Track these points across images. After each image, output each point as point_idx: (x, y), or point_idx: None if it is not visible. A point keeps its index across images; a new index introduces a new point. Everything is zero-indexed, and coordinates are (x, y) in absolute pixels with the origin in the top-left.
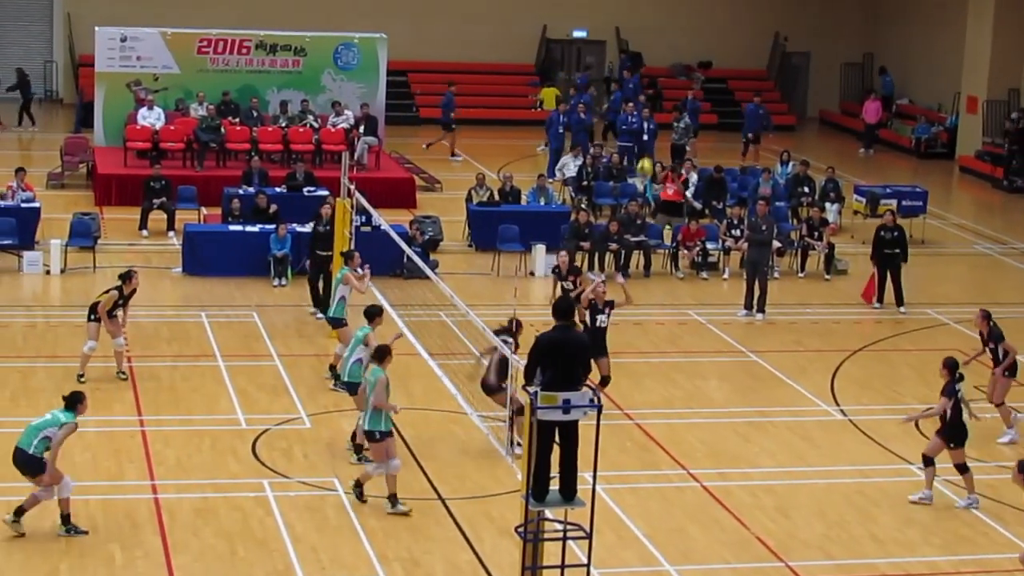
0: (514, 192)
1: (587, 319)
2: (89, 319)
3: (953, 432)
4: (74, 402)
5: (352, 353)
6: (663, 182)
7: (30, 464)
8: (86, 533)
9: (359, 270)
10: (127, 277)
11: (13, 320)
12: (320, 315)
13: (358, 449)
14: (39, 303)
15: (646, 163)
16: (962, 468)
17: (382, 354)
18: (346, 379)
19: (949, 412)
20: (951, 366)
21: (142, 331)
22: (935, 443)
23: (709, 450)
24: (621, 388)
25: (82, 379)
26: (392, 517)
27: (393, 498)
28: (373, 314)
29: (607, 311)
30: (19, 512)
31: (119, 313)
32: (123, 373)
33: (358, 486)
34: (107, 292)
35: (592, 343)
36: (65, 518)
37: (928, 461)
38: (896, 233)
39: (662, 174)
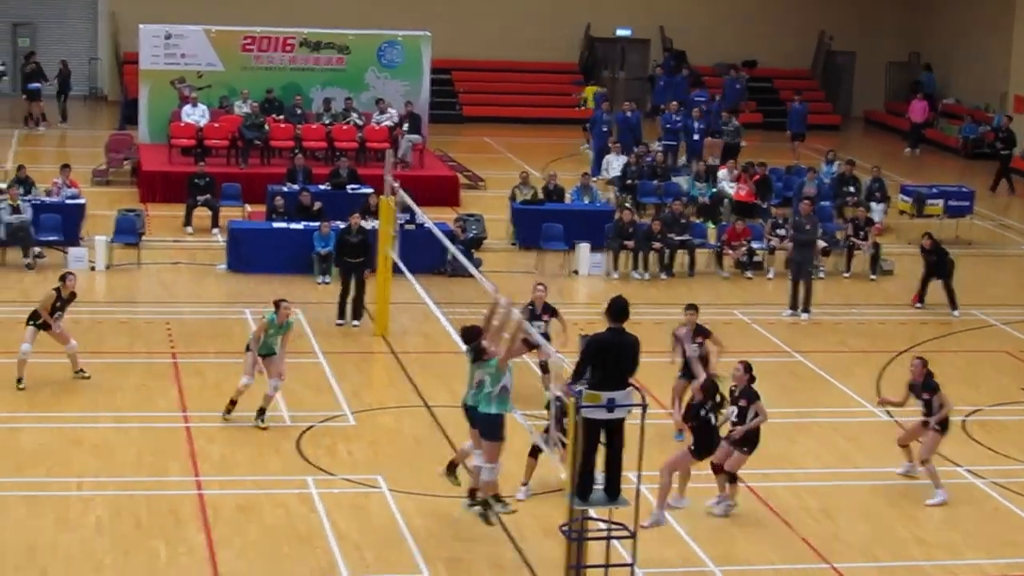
0: (558, 190)
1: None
2: (28, 323)
3: None
4: None
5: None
6: (735, 182)
7: None
8: None
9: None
10: (64, 278)
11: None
12: (340, 322)
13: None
14: (84, 299)
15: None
16: None
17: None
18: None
19: None
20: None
21: (186, 327)
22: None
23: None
24: (665, 387)
25: (21, 385)
26: (436, 515)
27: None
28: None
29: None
30: None
31: (58, 317)
32: (83, 371)
33: (482, 501)
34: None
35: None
36: None
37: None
38: (935, 256)
39: (734, 174)
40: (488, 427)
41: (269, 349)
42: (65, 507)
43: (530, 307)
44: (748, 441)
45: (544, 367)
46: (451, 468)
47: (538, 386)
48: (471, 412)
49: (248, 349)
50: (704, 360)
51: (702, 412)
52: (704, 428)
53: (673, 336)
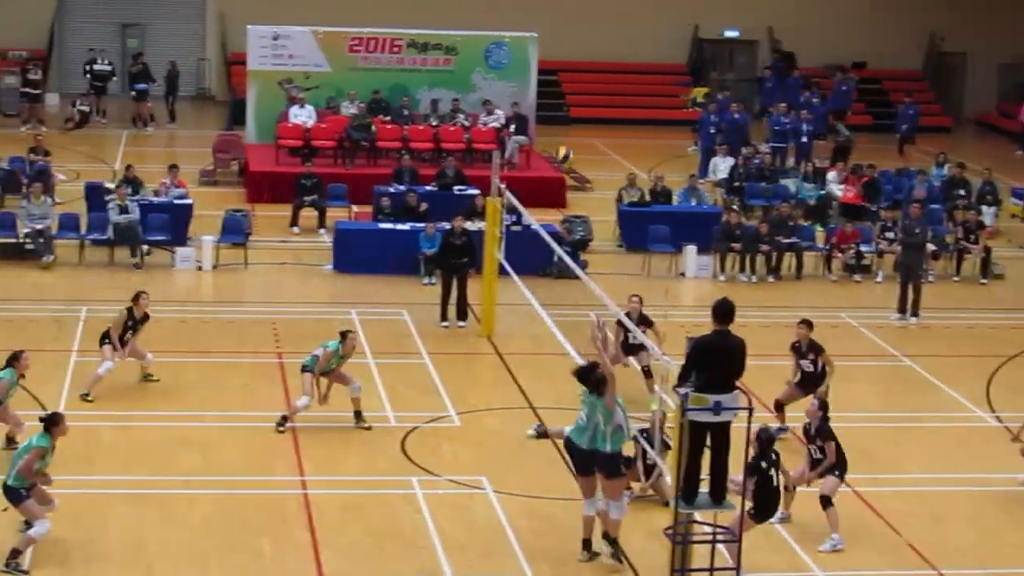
0: (665, 192)
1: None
2: (102, 343)
3: None
4: (50, 424)
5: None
6: (843, 183)
7: (11, 496)
8: (26, 574)
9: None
10: (137, 298)
11: (165, 315)
12: (445, 324)
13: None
14: (191, 299)
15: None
16: None
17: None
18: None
19: None
20: None
21: (292, 328)
22: None
23: (861, 455)
24: (772, 391)
25: (89, 398)
26: (540, 516)
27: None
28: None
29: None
30: (13, 554)
31: (128, 337)
32: (151, 375)
33: (612, 540)
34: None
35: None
36: (14, 552)
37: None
38: None
39: (842, 176)
40: (608, 466)
41: (326, 370)
42: (171, 505)
43: (626, 316)
44: (839, 466)
45: (647, 372)
46: (587, 545)
47: (642, 387)
48: (578, 452)
49: (305, 370)
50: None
51: (763, 466)
52: (766, 486)
53: (792, 349)
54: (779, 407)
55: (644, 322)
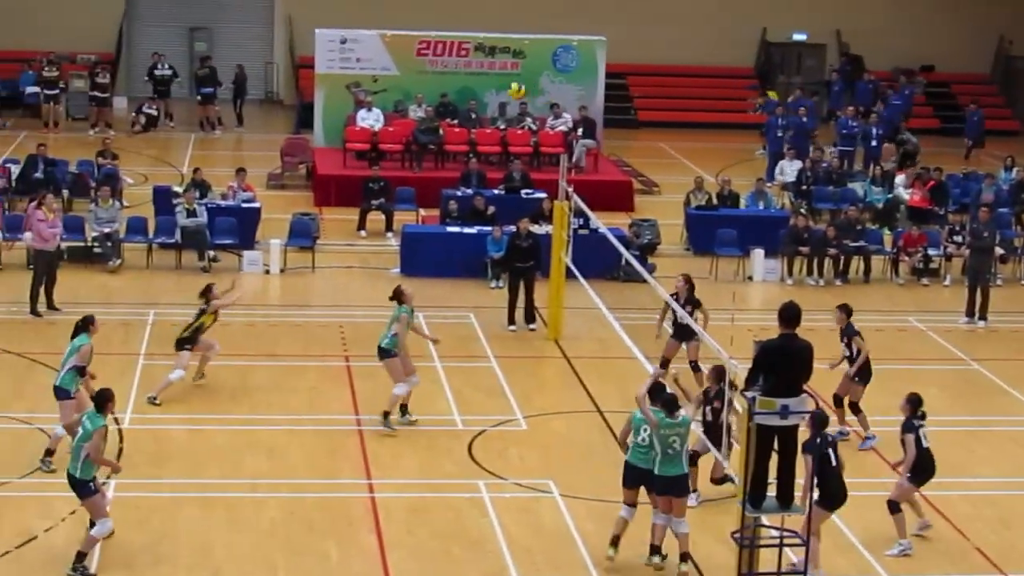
0: (732, 196)
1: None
2: (180, 348)
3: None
4: (103, 401)
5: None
6: (910, 187)
7: (78, 487)
8: None
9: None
10: (207, 290)
11: (233, 319)
12: (512, 328)
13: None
14: (259, 302)
15: None
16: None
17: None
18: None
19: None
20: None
21: (360, 331)
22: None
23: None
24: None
25: (156, 401)
26: (607, 520)
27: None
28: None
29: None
30: (79, 557)
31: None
32: (203, 376)
33: (683, 553)
34: (198, 320)
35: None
36: (80, 556)
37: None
38: None
39: (910, 179)
40: (680, 487)
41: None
42: (238, 508)
43: (673, 296)
44: (915, 470)
45: (695, 366)
46: (655, 550)
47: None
48: (643, 475)
49: (392, 355)
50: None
51: (819, 443)
52: (826, 470)
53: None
54: (839, 402)
55: (692, 303)
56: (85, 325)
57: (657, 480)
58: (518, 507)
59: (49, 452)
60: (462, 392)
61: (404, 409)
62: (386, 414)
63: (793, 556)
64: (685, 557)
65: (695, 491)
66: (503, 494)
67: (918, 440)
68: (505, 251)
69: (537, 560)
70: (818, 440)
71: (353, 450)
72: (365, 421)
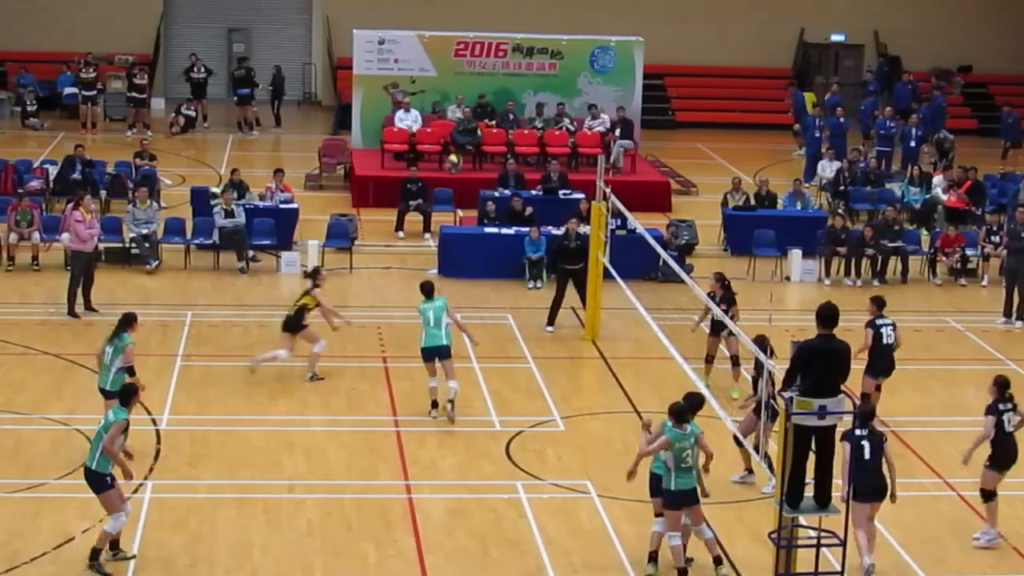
0: (770, 197)
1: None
2: (287, 330)
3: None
4: (127, 395)
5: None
6: (947, 189)
7: (95, 481)
8: (135, 558)
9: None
10: (315, 273)
11: (271, 320)
12: (550, 329)
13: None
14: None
15: None
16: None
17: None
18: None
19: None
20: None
21: (397, 332)
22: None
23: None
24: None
25: (317, 378)
26: (645, 520)
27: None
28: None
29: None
30: (94, 554)
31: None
32: (316, 375)
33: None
34: (306, 296)
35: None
36: (95, 552)
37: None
38: None
39: (948, 180)
40: (694, 497)
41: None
42: (276, 509)
43: (710, 295)
44: (994, 457)
45: (735, 360)
46: (652, 557)
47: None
48: (663, 489)
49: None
50: None
51: (856, 434)
52: (859, 463)
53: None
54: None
55: (727, 300)
56: (128, 323)
57: (672, 494)
58: (556, 508)
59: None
60: (500, 393)
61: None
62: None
63: (831, 556)
64: (719, 560)
65: (748, 471)
66: (541, 495)
67: (999, 424)
68: (553, 252)
69: (574, 561)
70: (856, 432)
71: (391, 451)
72: (403, 422)
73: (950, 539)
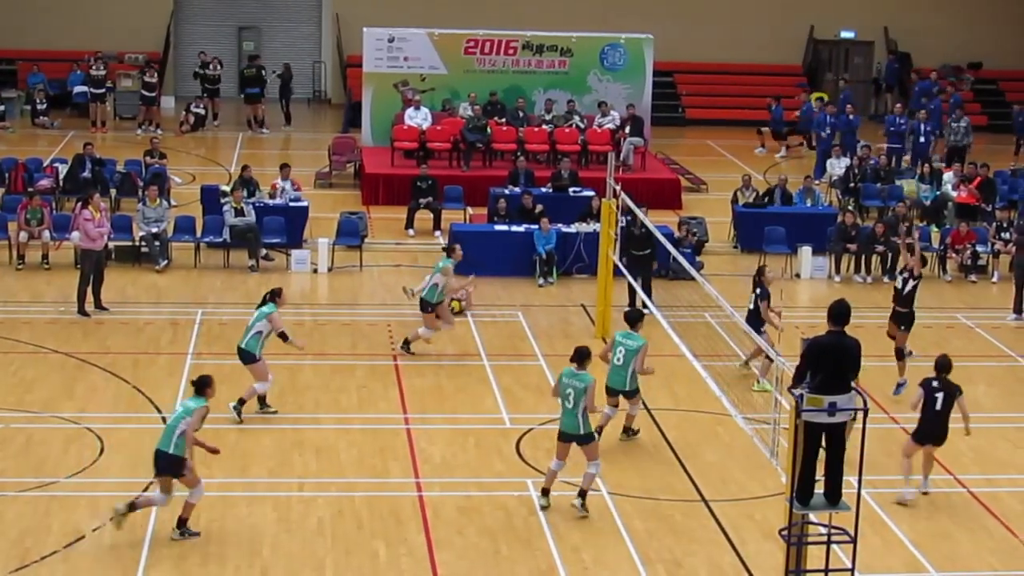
0: (786, 195)
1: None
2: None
3: None
4: (202, 386)
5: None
6: (957, 186)
7: (172, 464)
8: (198, 535)
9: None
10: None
11: (282, 317)
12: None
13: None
14: (307, 301)
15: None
16: None
17: (583, 357)
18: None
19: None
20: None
21: (407, 329)
22: None
23: (977, 456)
24: (887, 391)
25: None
26: (655, 518)
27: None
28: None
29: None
30: (182, 523)
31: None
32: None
33: (582, 495)
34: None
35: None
36: (182, 521)
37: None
38: None
39: (958, 177)
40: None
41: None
42: (287, 507)
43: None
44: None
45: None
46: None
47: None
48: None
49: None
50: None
51: (933, 385)
52: (927, 409)
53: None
54: (900, 355)
55: (764, 297)
56: (273, 296)
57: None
58: (567, 505)
59: (242, 401)
60: (511, 390)
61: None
62: (406, 342)
63: (841, 553)
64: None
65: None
66: (552, 492)
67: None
68: (624, 238)
69: (585, 558)
70: (933, 383)
71: (401, 449)
72: (413, 420)
73: (962, 535)
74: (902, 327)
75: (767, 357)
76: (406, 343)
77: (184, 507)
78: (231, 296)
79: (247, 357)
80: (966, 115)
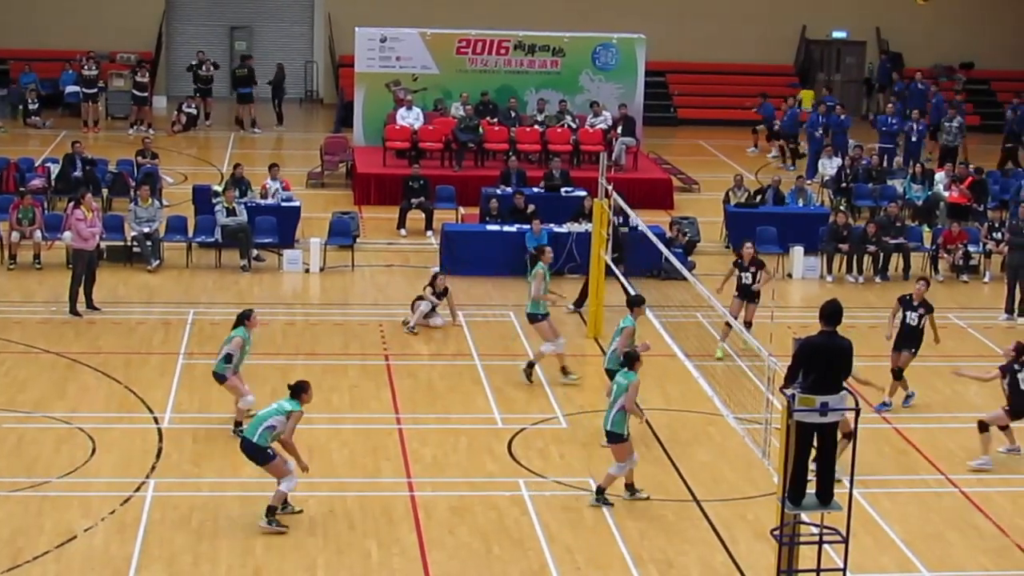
0: (779, 195)
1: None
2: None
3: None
4: (298, 391)
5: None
6: (949, 186)
7: (257, 454)
8: (285, 531)
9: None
10: (434, 279)
11: (273, 317)
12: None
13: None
14: (299, 301)
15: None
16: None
17: (632, 359)
18: (607, 367)
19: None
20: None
21: (399, 329)
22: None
23: (969, 455)
24: (880, 392)
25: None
26: (647, 518)
27: (631, 487)
28: (635, 303)
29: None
30: (270, 511)
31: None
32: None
33: (600, 492)
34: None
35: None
36: (271, 509)
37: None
38: None
39: (950, 177)
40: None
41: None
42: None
43: (738, 261)
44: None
45: (749, 324)
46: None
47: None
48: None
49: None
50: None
51: (1014, 368)
52: (1015, 390)
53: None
54: (898, 375)
55: (756, 264)
56: (242, 319)
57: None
58: (559, 505)
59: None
60: (503, 390)
61: (564, 371)
62: (530, 365)
63: (833, 553)
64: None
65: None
66: (544, 492)
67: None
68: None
69: (577, 558)
70: (1014, 366)
71: (393, 449)
72: (405, 420)
73: (953, 535)
74: (912, 350)
75: (747, 327)
76: (530, 366)
77: (275, 496)
78: (223, 296)
79: (220, 379)
80: (959, 115)
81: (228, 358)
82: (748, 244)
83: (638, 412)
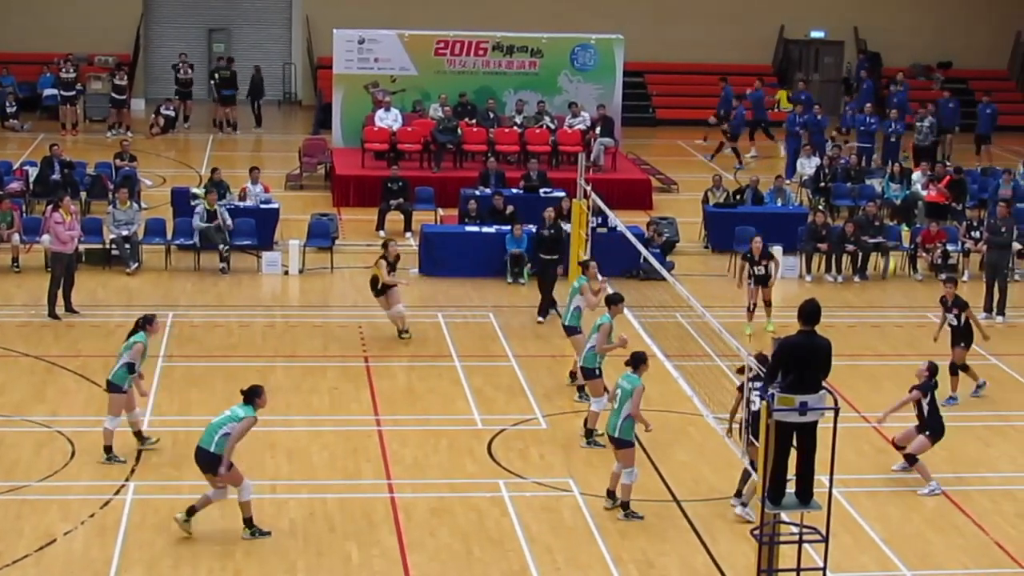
0: (757, 195)
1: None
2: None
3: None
4: (252, 396)
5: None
6: (927, 185)
7: (210, 462)
8: (268, 534)
9: (599, 277)
10: (386, 245)
11: (253, 320)
12: (540, 320)
13: (588, 433)
14: (278, 303)
15: None
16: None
17: (638, 361)
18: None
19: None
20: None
21: (379, 331)
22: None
23: (948, 454)
24: (859, 391)
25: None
26: (627, 519)
27: (626, 506)
28: (612, 301)
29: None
30: (191, 511)
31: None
32: (406, 332)
33: (626, 507)
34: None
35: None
36: (247, 521)
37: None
38: None
39: (927, 176)
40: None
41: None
42: (259, 509)
43: (748, 254)
44: (930, 429)
45: (768, 302)
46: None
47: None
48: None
49: (578, 331)
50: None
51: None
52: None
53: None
54: (955, 370)
55: (767, 256)
56: (143, 324)
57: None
58: (539, 506)
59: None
60: (482, 391)
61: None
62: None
63: (813, 552)
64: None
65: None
66: (524, 493)
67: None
68: (533, 244)
69: (557, 559)
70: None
71: (373, 450)
72: (385, 421)
73: (933, 534)
74: (962, 344)
75: (768, 304)
76: (582, 387)
77: (241, 508)
78: (202, 298)
79: (114, 388)
80: (930, 115)
81: (130, 367)
82: (757, 238)
83: (644, 420)
